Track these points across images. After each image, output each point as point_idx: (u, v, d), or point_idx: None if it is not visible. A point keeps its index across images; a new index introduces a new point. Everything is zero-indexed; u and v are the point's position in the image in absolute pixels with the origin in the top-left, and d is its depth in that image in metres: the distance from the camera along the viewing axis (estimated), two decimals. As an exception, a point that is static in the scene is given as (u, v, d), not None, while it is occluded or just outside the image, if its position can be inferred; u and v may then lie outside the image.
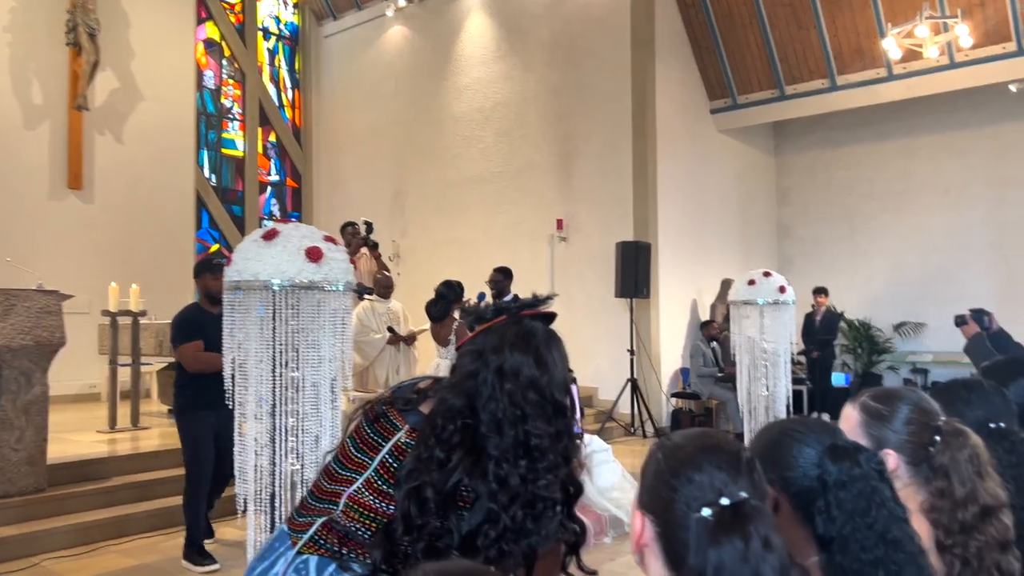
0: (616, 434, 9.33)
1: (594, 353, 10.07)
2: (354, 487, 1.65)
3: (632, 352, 9.55)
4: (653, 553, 1.08)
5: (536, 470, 1.55)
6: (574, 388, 2.09)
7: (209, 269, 5.08)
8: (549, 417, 1.58)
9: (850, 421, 1.67)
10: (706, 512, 1.01)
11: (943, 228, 10.82)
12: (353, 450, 1.69)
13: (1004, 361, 2.38)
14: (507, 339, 1.62)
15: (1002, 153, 10.36)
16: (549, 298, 1.73)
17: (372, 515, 1.62)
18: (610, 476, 6.05)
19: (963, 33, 8.53)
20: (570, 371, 1.71)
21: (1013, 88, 9.26)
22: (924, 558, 1.25)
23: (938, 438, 1.59)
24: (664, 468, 1.09)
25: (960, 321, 4.34)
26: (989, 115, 10.34)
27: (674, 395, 10.15)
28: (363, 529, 1.62)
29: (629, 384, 9.42)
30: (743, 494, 1.02)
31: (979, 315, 4.34)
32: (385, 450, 1.65)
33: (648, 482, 1.10)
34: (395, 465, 1.62)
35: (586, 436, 6.26)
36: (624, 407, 9.49)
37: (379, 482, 1.63)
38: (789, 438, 1.34)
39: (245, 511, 3.68)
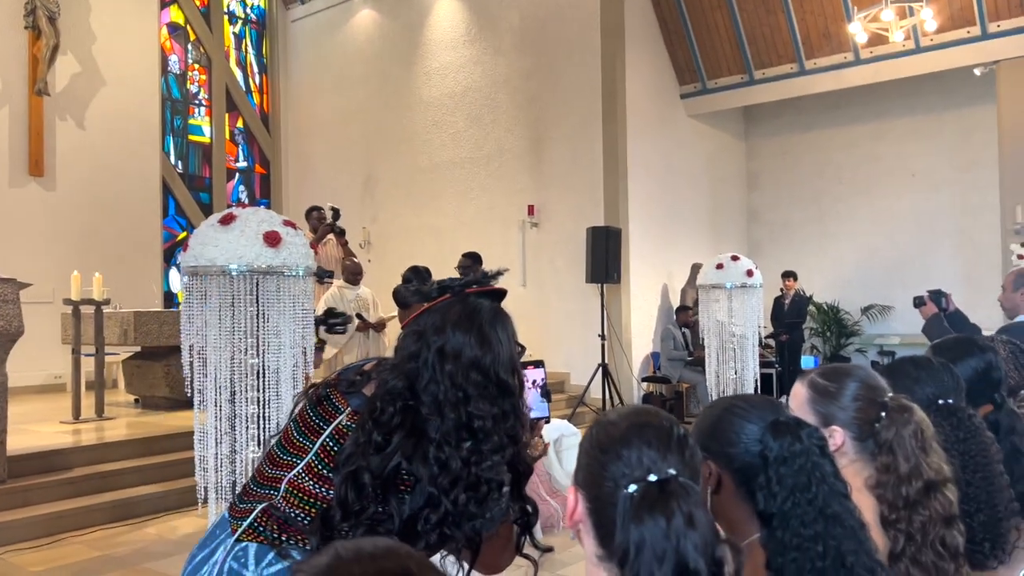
0: (588, 419, 9.36)
1: (565, 338, 10.09)
2: (294, 472, 1.62)
3: (603, 337, 9.57)
4: (586, 529, 1.07)
5: (480, 452, 1.52)
6: (540, 371, 2.02)
7: None
8: (493, 398, 1.54)
9: (798, 398, 1.67)
10: (632, 488, 1.00)
11: (910, 211, 10.95)
12: (295, 434, 1.65)
13: (953, 339, 2.39)
14: (449, 318, 1.57)
15: (967, 136, 10.48)
16: (498, 274, 1.68)
17: (312, 501, 1.59)
18: (579, 460, 6.06)
19: (928, 17, 8.60)
20: (521, 350, 1.66)
21: (977, 72, 9.36)
22: (864, 532, 1.25)
23: (883, 414, 1.59)
24: (596, 444, 1.08)
25: (919, 302, 4.39)
26: (955, 99, 10.45)
27: (644, 379, 10.20)
28: (303, 515, 1.59)
29: (600, 369, 9.45)
30: (671, 471, 1.01)
31: (937, 296, 4.38)
32: (326, 434, 1.61)
33: (582, 459, 1.10)
34: (336, 449, 1.58)
35: (556, 421, 6.26)
36: (595, 392, 9.52)
37: (319, 467, 1.60)
38: (732, 414, 1.33)
39: (206, 501, 3.65)
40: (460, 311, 1.58)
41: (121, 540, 5.14)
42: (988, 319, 7.33)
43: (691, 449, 1.05)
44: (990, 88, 9.52)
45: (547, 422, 1.89)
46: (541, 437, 1.79)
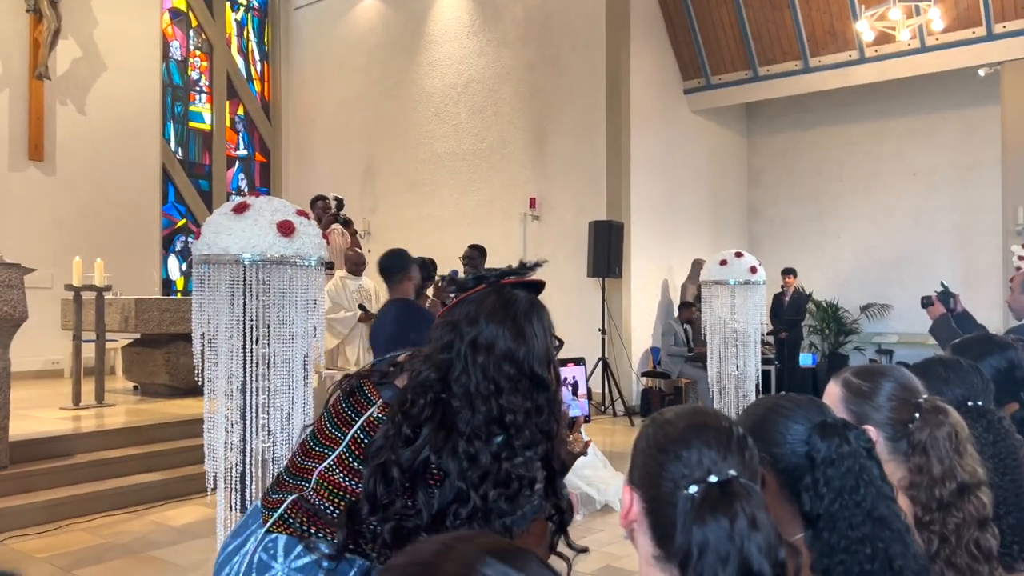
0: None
1: (566, 332, 9.96)
2: (325, 464, 1.60)
3: (603, 331, 9.57)
4: (641, 529, 1.06)
5: (512, 447, 1.50)
6: (580, 368, 1.99)
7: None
8: (526, 391, 1.51)
9: (832, 397, 1.67)
10: (693, 489, 0.99)
11: (911, 210, 10.96)
12: (328, 425, 1.64)
13: (973, 339, 2.39)
14: (483, 309, 1.54)
15: (969, 136, 10.49)
16: (537, 265, 1.65)
17: (341, 493, 1.57)
18: (582, 454, 6.06)
19: (935, 16, 8.59)
20: (559, 345, 1.63)
21: (982, 72, 9.36)
22: (910, 535, 1.25)
23: (918, 415, 1.59)
24: (653, 444, 1.07)
25: (927, 302, 4.38)
26: (958, 99, 10.46)
27: (644, 374, 10.21)
28: (332, 508, 1.57)
29: (600, 363, 9.45)
30: (732, 472, 1.00)
31: (945, 297, 4.38)
32: (357, 425, 1.60)
33: (638, 458, 1.09)
34: (366, 441, 1.56)
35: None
36: (595, 386, 9.53)
37: (350, 459, 1.58)
38: (777, 414, 1.32)
39: (214, 489, 3.63)
40: (495, 302, 1.55)
41: (123, 528, 5.13)
42: (987, 319, 7.33)
43: (750, 450, 1.05)
44: (993, 89, 9.53)
45: (587, 420, 1.88)
46: (581, 434, 1.78)
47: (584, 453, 1.75)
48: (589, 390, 1.75)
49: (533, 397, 1.53)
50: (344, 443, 1.59)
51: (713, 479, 0.99)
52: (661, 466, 1.04)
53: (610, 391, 9.53)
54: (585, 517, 5.42)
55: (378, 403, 1.60)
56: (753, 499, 0.97)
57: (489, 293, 1.58)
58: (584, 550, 1.65)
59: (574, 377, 1.79)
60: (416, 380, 1.54)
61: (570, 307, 10.16)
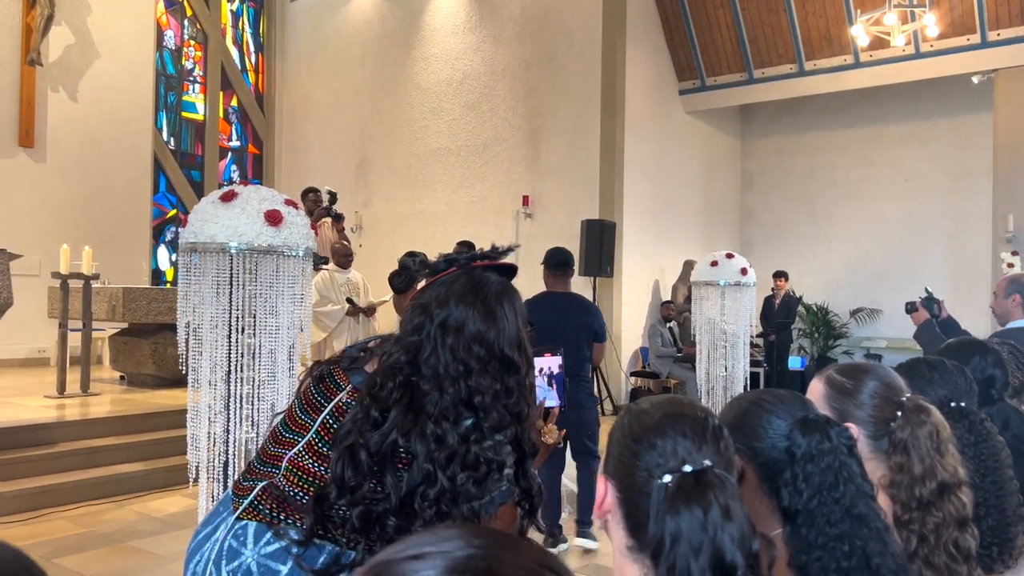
0: (575, 411, 9.37)
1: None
2: (295, 450, 1.60)
3: (593, 330, 9.55)
4: (615, 520, 1.05)
5: (481, 430, 1.49)
6: (557, 359, 1.97)
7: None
8: (496, 373, 1.51)
9: (816, 394, 1.66)
10: (667, 479, 0.98)
11: (902, 216, 11.00)
12: (298, 411, 1.64)
13: (960, 342, 2.40)
14: (453, 291, 1.54)
15: (962, 144, 10.52)
16: (509, 249, 1.64)
17: (311, 479, 1.57)
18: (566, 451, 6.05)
19: (930, 22, 8.61)
20: (531, 329, 1.61)
21: (975, 80, 9.39)
22: (889, 534, 1.24)
23: (899, 413, 1.58)
24: (628, 434, 1.06)
25: (911, 308, 4.38)
26: (951, 106, 10.49)
27: (633, 374, 10.21)
28: (302, 494, 1.57)
29: (589, 362, 9.44)
30: (707, 462, 0.99)
31: (929, 303, 4.38)
32: (326, 411, 1.60)
33: (613, 448, 1.08)
34: (336, 426, 1.56)
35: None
36: (584, 385, 9.52)
37: (319, 444, 1.58)
38: (760, 408, 1.32)
39: (196, 480, 3.60)
40: (465, 284, 1.56)
41: (106, 517, 5.10)
42: (975, 326, 7.37)
43: (726, 440, 1.04)
44: (986, 96, 9.56)
45: (562, 410, 1.86)
46: (555, 425, 1.77)
47: (559, 444, 1.74)
48: (565, 381, 1.73)
49: (503, 379, 1.52)
50: (313, 429, 1.59)
51: (687, 469, 0.98)
52: (636, 455, 1.03)
53: (599, 390, 9.52)
54: (570, 514, 5.42)
55: (347, 388, 1.61)
56: (727, 489, 0.96)
57: (460, 275, 1.57)
58: (553, 534, 1.64)
59: (550, 367, 1.78)
60: (386, 363, 1.54)
61: (561, 305, 10.14)
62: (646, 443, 1.03)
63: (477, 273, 1.58)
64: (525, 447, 1.58)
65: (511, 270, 1.64)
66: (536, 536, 1.64)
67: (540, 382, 1.89)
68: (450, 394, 1.49)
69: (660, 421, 1.04)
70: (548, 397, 1.87)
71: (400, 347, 1.54)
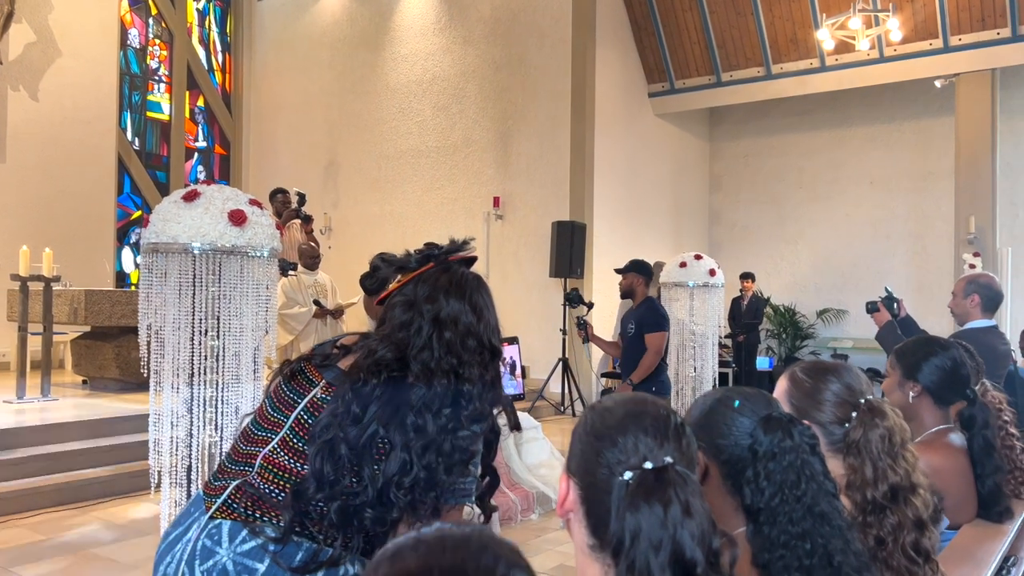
0: (546, 412, 9.35)
1: (527, 332, 10.06)
2: (269, 447, 1.59)
3: (564, 332, 9.57)
4: (577, 518, 1.04)
5: (459, 419, 1.51)
6: (515, 347, 2.03)
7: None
8: (485, 363, 1.57)
9: (779, 390, 1.67)
10: (628, 475, 0.97)
11: (867, 218, 11.15)
12: (270, 409, 1.63)
13: (915, 341, 2.41)
14: (440, 287, 1.58)
15: (925, 147, 10.70)
16: (466, 243, 1.70)
17: (287, 475, 1.55)
18: (539, 453, 6.05)
19: (894, 27, 8.75)
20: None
21: (938, 84, 9.55)
22: (852, 532, 1.24)
23: (854, 415, 1.58)
24: (590, 431, 1.05)
25: (872, 308, 4.42)
26: (915, 109, 10.67)
27: (604, 375, 10.23)
28: (277, 491, 1.55)
29: (560, 363, 9.45)
30: (668, 459, 0.98)
31: (889, 301, 4.43)
32: (300, 407, 1.59)
33: (576, 445, 1.07)
34: (310, 422, 1.55)
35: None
36: (555, 386, 9.53)
37: (295, 440, 1.57)
38: (724, 406, 1.31)
39: (159, 486, 3.54)
40: (448, 279, 1.61)
41: (66, 524, 4.98)
42: (938, 326, 7.49)
43: (688, 438, 1.03)
44: (949, 100, 9.73)
45: (520, 398, 1.90)
46: (513, 411, 1.80)
47: (517, 428, 1.75)
48: (524, 368, 1.74)
49: (491, 368, 1.59)
50: (287, 425, 1.58)
51: (648, 465, 0.97)
52: (598, 453, 1.02)
53: (570, 391, 9.53)
54: (540, 516, 5.41)
55: (321, 384, 1.60)
56: (688, 486, 0.95)
57: (440, 271, 1.62)
58: (494, 508, 1.68)
59: (511, 357, 1.79)
60: (371, 359, 1.54)
61: (532, 307, 10.16)
62: (608, 440, 1.02)
63: (455, 268, 1.64)
64: (496, 432, 1.64)
65: (473, 260, 1.71)
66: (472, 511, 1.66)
67: (504, 370, 1.92)
68: (440, 387, 1.52)
69: (623, 419, 1.03)
70: (508, 386, 1.90)
71: (387, 344, 1.56)
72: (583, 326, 5.86)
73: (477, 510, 1.68)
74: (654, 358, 5.70)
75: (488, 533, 0.75)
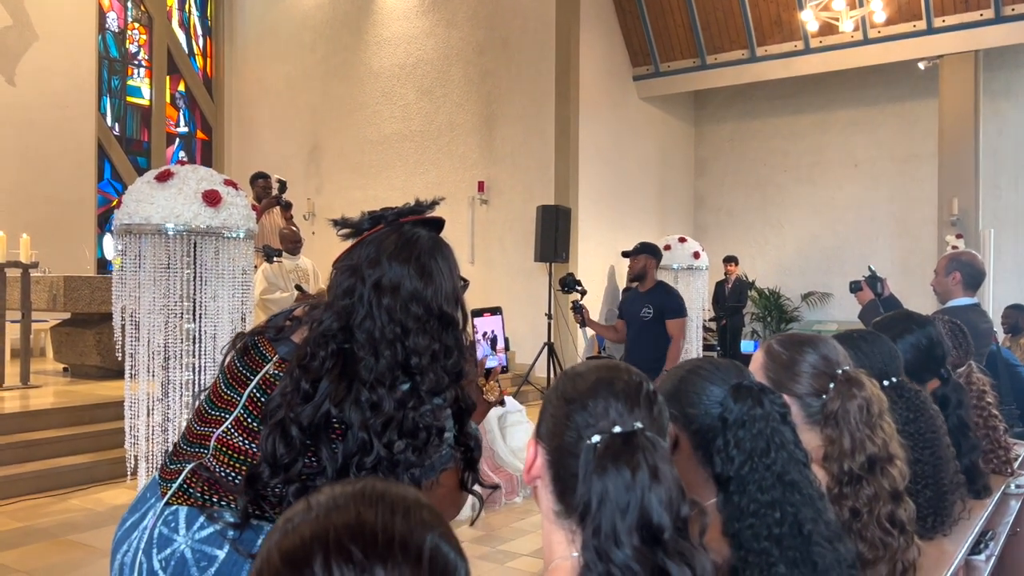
0: (532, 397, 9.35)
1: (512, 316, 10.01)
2: (223, 428, 1.50)
3: (550, 316, 9.56)
4: (543, 484, 1.02)
5: (418, 395, 1.43)
6: (498, 319, 1.93)
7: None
8: (434, 332, 1.45)
9: (756, 363, 1.65)
10: (596, 439, 0.95)
11: (851, 201, 11.17)
12: (223, 387, 1.54)
13: (891, 317, 2.40)
14: (384, 249, 1.46)
15: (909, 129, 10.72)
16: (435, 203, 1.56)
17: (242, 458, 1.48)
18: (523, 437, 6.04)
19: (878, 8, 8.73)
20: (464, 284, 1.54)
21: (922, 66, 9.55)
22: (823, 502, 1.23)
23: (832, 385, 1.56)
24: (561, 395, 1.03)
25: (855, 287, 4.42)
26: (899, 92, 10.67)
27: (590, 359, 10.23)
28: (234, 474, 1.48)
29: (546, 348, 9.44)
30: (638, 424, 0.96)
31: (873, 281, 4.43)
32: (253, 384, 1.50)
33: (546, 409, 1.05)
34: (264, 400, 1.47)
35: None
36: (540, 371, 9.52)
37: (249, 420, 1.49)
38: (696, 375, 1.29)
39: (135, 472, 3.50)
40: (396, 241, 1.47)
41: (45, 511, 4.94)
42: (922, 307, 7.49)
43: (659, 406, 1.01)
44: (932, 83, 9.74)
45: (503, 371, 1.82)
46: (498, 383, 1.72)
47: (500, 402, 1.69)
48: (507, 340, 1.71)
49: (440, 337, 1.46)
50: (241, 404, 1.50)
51: (617, 430, 0.95)
52: (567, 416, 1.00)
53: (555, 375, 9.52)
54: (524, 499, 5.40)
55: (274, 359, 1.51)
56: (657, 452, 0.93)
57: (389, 233, 1.49)
58: (496, 487, 1.61)
59: (492, 330, 1.74)
60: (317, 331, 1.45)
61: (517, 291, 10.13)
62: (578, 404, 1.00)
63: (407, 229, 1.50)
64: (464, 405, 1.53)
65: (439, 224, 1.57)
66: (479, 489, 1.60)
67: (484, 346, 1.85)
68: (386, 358, 1.41)
69: (594, 383, 1.02)
70: (490, 357, 1.82)
71: (331, 313, 1.45)
72: (579, 310, 5.75)
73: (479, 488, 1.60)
74: (681, 343, 5.64)
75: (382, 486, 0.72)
